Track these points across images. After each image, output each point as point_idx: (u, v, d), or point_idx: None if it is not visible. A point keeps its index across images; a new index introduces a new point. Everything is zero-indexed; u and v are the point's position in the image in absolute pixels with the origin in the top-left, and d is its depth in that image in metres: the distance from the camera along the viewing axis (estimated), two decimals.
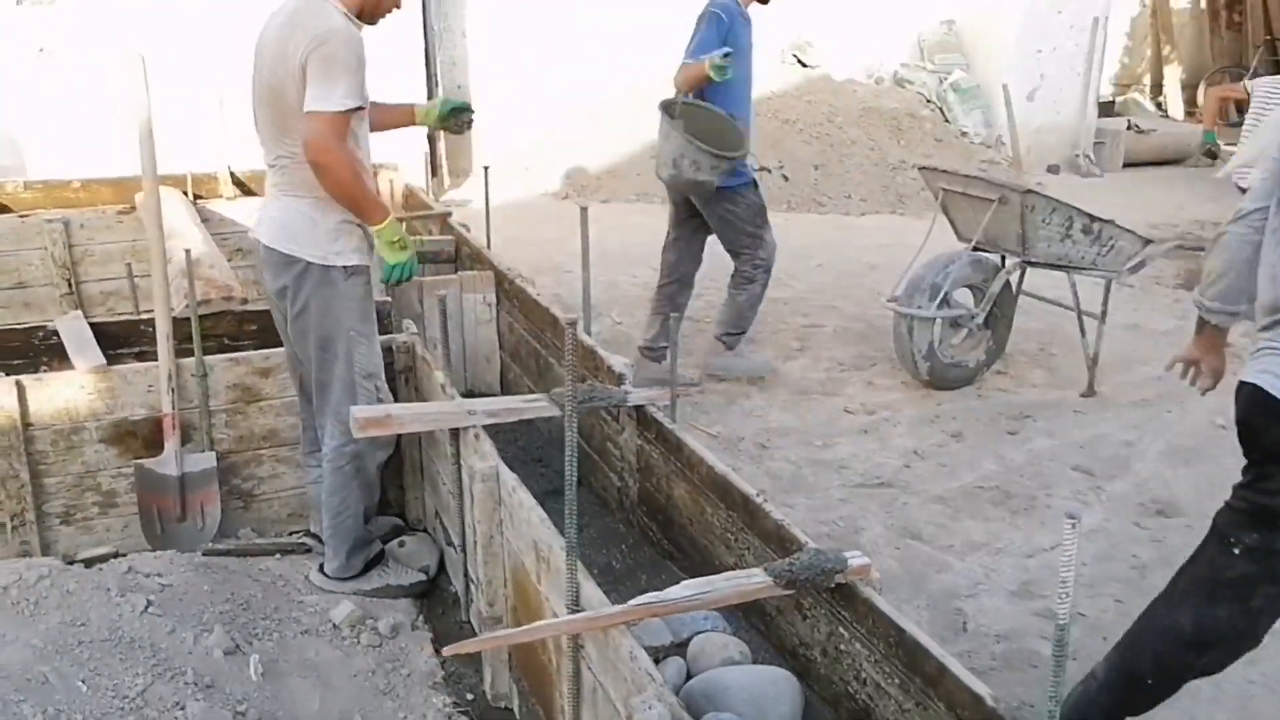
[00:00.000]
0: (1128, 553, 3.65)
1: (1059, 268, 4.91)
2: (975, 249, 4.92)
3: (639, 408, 3.13)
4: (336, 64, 2.70)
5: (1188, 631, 2.43)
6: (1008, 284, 5.01)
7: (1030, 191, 4.66)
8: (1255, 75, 11.45)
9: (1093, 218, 4.78)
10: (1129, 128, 11.01)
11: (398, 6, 3.01)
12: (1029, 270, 5.05)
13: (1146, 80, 14.04)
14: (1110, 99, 12.93)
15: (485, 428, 2.88)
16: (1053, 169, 10.23)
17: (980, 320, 4.91)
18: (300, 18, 2.76)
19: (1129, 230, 4.89)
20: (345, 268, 2.93)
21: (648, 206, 8.09)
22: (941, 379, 4.92)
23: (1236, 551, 2.38)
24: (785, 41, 9.67)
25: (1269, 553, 2.31)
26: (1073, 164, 10.35)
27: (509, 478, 2.63)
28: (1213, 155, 6.47)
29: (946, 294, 4.77)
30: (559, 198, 8.27)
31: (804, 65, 9.53)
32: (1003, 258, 4.97)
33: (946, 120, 9.74)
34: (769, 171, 8.35)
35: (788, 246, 7.23)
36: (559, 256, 6.54)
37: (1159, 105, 13.48)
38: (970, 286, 4.96)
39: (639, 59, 9.13)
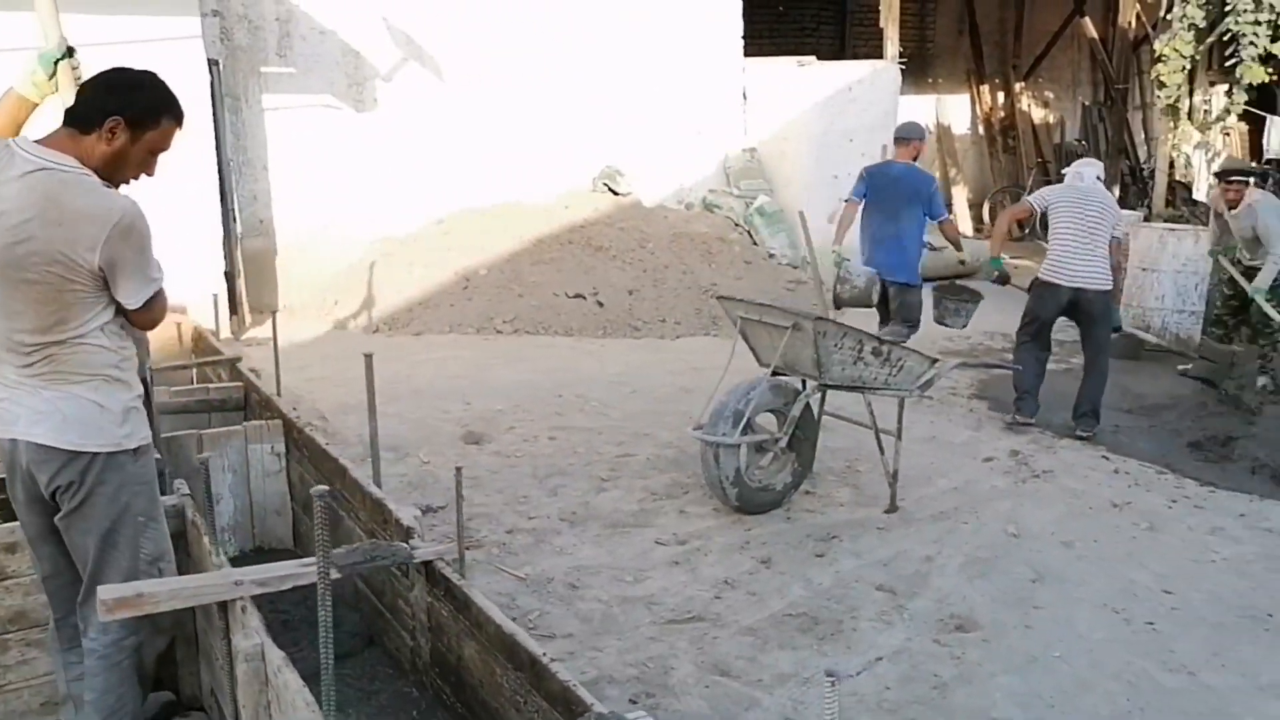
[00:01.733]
0: (929, 672, 3.69)
1: (855, 389, 5.07)
2: (775, 374, 5.05)
3: (428, 563, 3.00)
4: (143, 243, 2.54)
5: None
6: (809, 406, 5.13)
7: (821, 319, 4.83)
8: (1030, 192, 12.43)
9: (881, 340, 4.98)
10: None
11: (149, 174, 2.72)
12: (832, 391, 5.21)
13: None
14: None
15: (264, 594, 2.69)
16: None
17: (784, 443, 5.00)
18: (68, 202, 2.48)
19: (915, 351, 5.12)
20: (134, 450, 2.71)
21: (461, 338, 8.02)
22: (751, 503, 4.96)
23: None
24: (595, 170, 9.91)
25: None
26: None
27: (275, 656, 2.45)
28: (1004, 281, 6.90)
29: (749, 420, 4.84)
30: (369, 332, 8.11)
31: (615, 193, 9.77)
32: (803, 381, 5.11)
33: (755, 243, 10.12)
34: (584, 299, 8.44)
35: (604, 375, 7.32)
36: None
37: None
38: (773, 411, 5.05)
39: (449, 191, 9.20)
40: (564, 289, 8.45)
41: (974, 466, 5.87)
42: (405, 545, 2.98)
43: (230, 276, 7.87)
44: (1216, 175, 7.69)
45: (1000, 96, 15.49)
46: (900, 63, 10.87)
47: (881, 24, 10.81)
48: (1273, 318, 7.41)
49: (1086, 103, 15.93)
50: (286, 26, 8.45)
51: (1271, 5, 8.74)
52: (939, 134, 14.95)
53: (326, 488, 2.06)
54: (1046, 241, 6.63)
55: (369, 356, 3.49)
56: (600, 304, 8.44)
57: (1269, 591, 4.37)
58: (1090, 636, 3.97)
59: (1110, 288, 6.54)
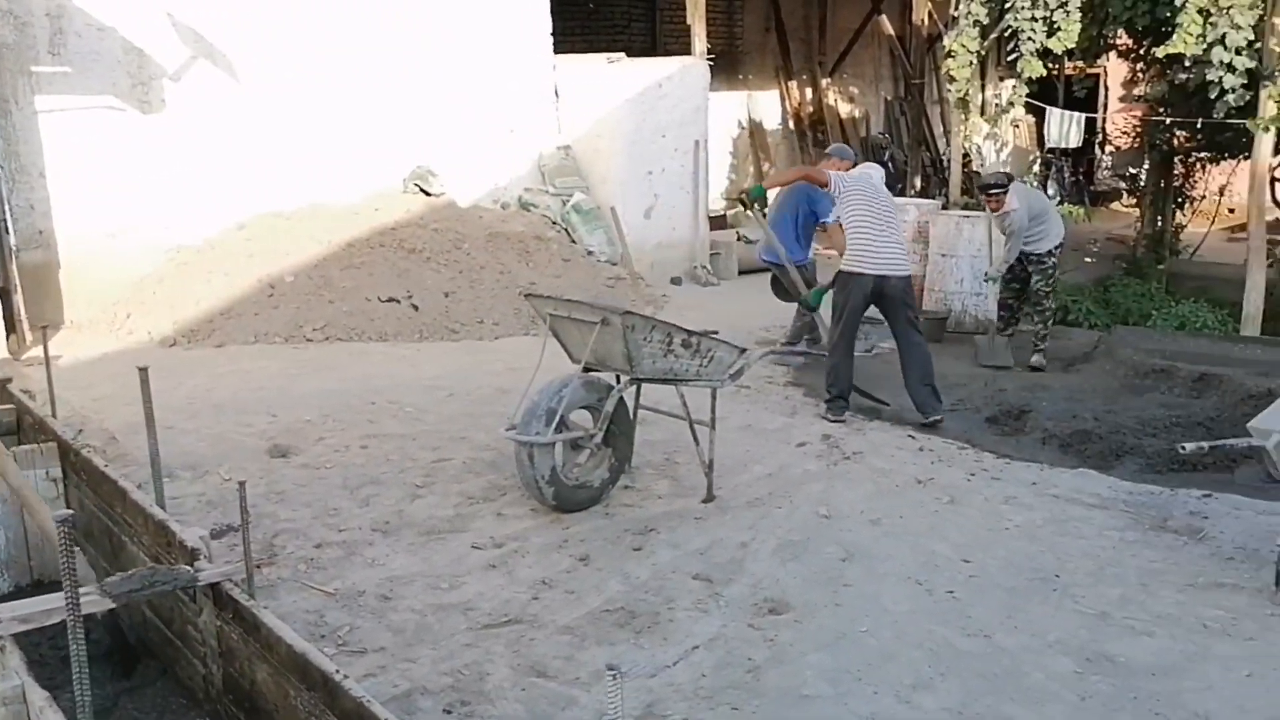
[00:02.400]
0: (743, 656, 3.74)
1: (667, 381, 5.10)
2: (587, 370, 5.03)
3: (215, 586, 2.83)
4: None
5: None
6: (623, 401, 5.13)
7: (629, 313, 4.83)
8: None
9: (690, 333, 5.03)
10: (739, 239, 11.94)
11: None
12: (648, 384, 5.22)
13: None
14: (723, 213, 13.99)
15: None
16: (675, 281, 10.85)
17: (599, 439, 4.98)
18: None
19: (725, 341, 5.19)
20: None
21: (267, 348, 7.69)
22: (568, 502, 4.93)
23: None
24: (406, 171, 9.68)
25: None
26: (693, 275, 11.03)
27: (38, 697, 2.26)
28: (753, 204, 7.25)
29: (563, 418, 4.81)
30: (167, 345, 7.67)
31: (427, 194, 9.57)
32: (616, 376, 5.11)
33: (573, 241, 10.10)
34: (398, 302, 8.22)
35: (419, 379, 7.14)
36: (162, 412, 6.00)
37: (765, 216, 14.72)
38: (587, 407, 5.03)
39: (250, 194, 8.81)
40: (377, 293, 8.21)
41: (788, 452, 6.01)
42: (188, 569, 2.81)
43: (6, 293, 7.30)
44: (979, 189, 8.23)
45: (808, 92, 15.99)
46: (709, 59, 11.06)
47: (689, 21, 10.97)
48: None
49: (889, 97, 16.64)
50: (59, 22, 7.88)
51: (1046, 3, 9.30)
52: (751, 129, 15.32)
53: (69, 512, 1.90)
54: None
55: (144, 370, 3.27)
56: (415, 307, 8.24)
57: (1056, 553, 4.63)
58: (895, 609, 4.11)
59: (910, 273, 6.81)
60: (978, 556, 4.61)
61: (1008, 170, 9.42)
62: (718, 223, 12.95)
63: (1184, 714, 3.39)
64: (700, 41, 10.95)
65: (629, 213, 10.57)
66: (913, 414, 6.65)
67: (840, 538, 4.79)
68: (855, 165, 7.77)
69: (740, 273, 11.57)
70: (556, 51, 10.68)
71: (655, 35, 14.72)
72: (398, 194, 9.55)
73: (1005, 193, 7.87)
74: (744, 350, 5.29)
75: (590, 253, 10.06)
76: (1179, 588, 4.30)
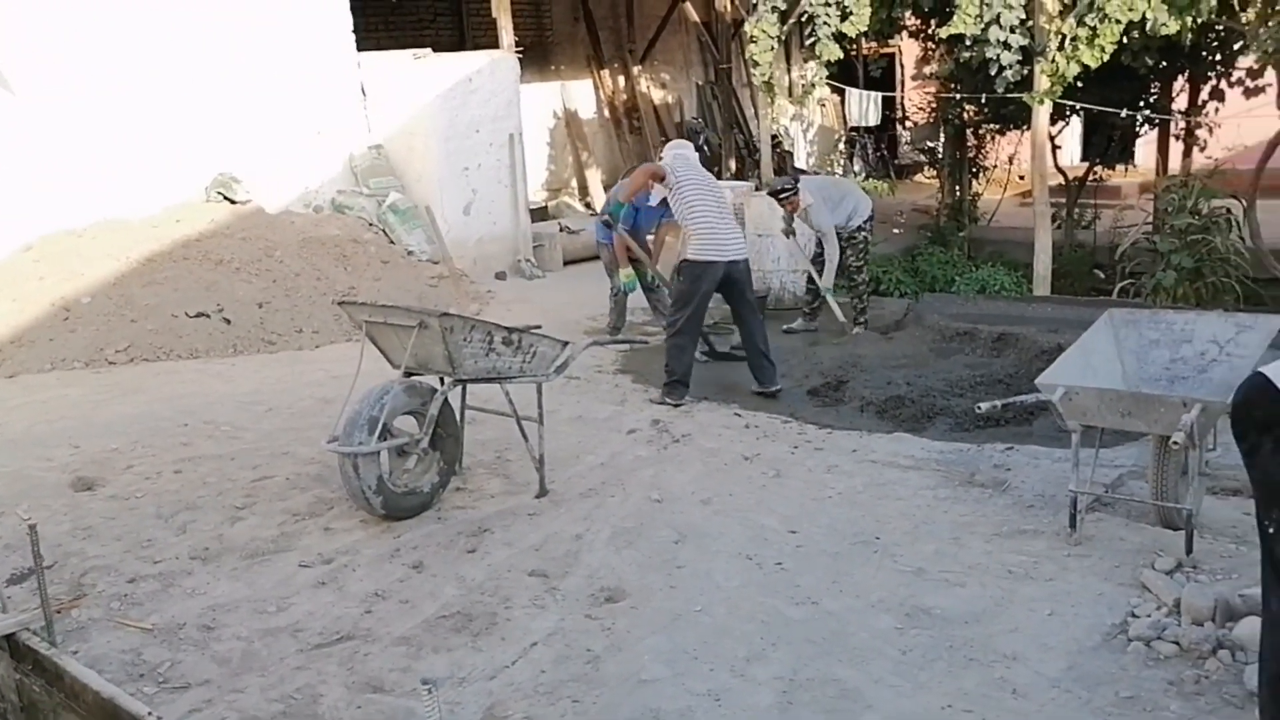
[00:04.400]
0: (582, 648, 3.77)
1: (492, 380, 5.07)
2: (408, 375, 4.95)
3: (9, 637, 2.66)
4: None
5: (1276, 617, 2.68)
6: (448, 403, 5.07)
7: (447, 314, 4.78)
8: None
9: (511, 330, 5.01)
10: (561, 230, 11.96)
11: None
12: (474, 384, 5.17)
13: (574, 184, 15.43)
14: (544, 204, 13.98)
15: None
16: (500, 275, 10.78)
17: (426, 444, 4.91)
18: None
19: (547, 336, 5.20)
20: None
21: (66, 375, 7.24)
22: (398, 509, 4.84)
23: (1271, 530, 2.69)
24: (208, 179, 9.27)
25: None
26: (517, 269, 10.99)
27: None
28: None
29: (386, 425, 4.72)
30: None
31: (232, 201, 9.19)
32: (441, 379, 5.04)
33: (391, 242, 9.90)
34: (208, 317, 7.87)
35: (235, 396, 6.87)
36: None
37: (587, 205, 14.84)
38: (411, 412, 4.95)
39: (36, 213, 8.27)
40: (184, 309, 7.84)
41: (619, 440, 6.07)
42: None
43: None
44: (770, 195, 8.55)
45: (621, 80, 16.11)
46: (518, 52, 11.00)
47: (495, 14, 10.88)
48: (836, 310, 8.36)
49: (700, 82, 16.92)
50: None
51: None
52: (567, 119, 15.33)
53: None
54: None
55: None
56: (227, 320, 7.92)
57: (875, 516, 4.85)
58: (727, 585, 4.22)
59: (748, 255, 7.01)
60: (804, 526, 4.77)
61: (797, 173, 9.78)
62: (539, 215, 12.94)
63: (994, 656, 3.61)
64: (507, 34, 10.88)
65: (448, 210, 10.44)
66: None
67: (673, 520, 4.88)
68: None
69: (565, 263, 11.61)
70: (360, 49, 10.42)
71: (463, 29, 14.54)
72: (200, 204, 9.13)
73: (795, 193, 8.15)
74: (567, 343, 5.31)
75: (410, 253, 9.89)
76: (987, 538, 4.57)
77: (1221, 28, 9.63)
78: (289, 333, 8.12)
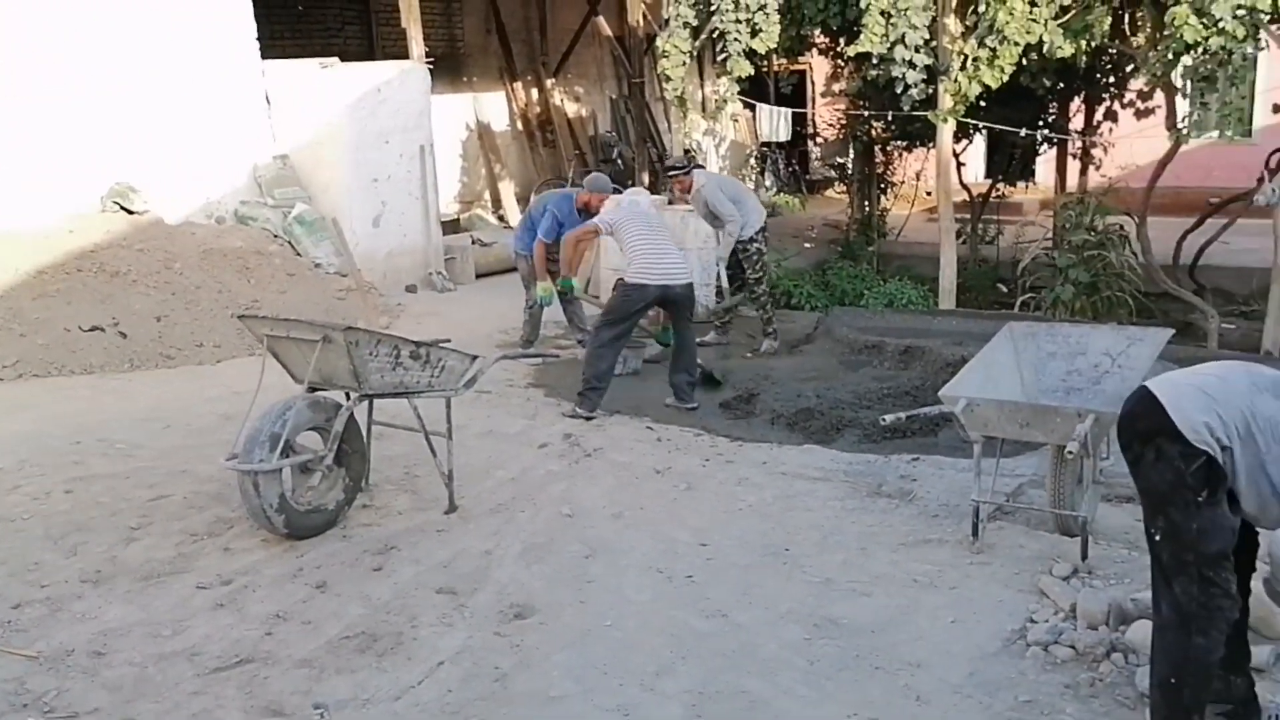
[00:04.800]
0: (490, 665, 3.72)
1: (399, 395, 4.99)
2: (312, 390, 4.84)
3: None
4: None
5: (1171, 620, 2.88)
6: (354, 418, 4.97)
7: (352, 328, 4.69)
8: (572, 184, 13.04)
9: (419, 344, 4.93)
10: (473, 242, 11.86)
11: None
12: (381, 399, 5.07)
13: (487, 196, 15.33)
14: (456, 217, 13.87)
15: None
16: (410, 288, 10.64)
17: (330, 460, 4.81)
18: None
19: (456, 350, 5.13)
20: None
21: None
22: (302, 528, 4.72)
23: (1158, 538, 2.94)
24: (104, 189, 8.97)
25: (1170, 525, 2.89)
26: (428, 282, 10.86)
27: None
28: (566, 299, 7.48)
29: (288, 441, 4.61)
30: None
31: (130, 212, 8.90)
32: (347, 394, 4.94)
33: (298, 254, 9.69)
34: (103, 330, 7.60)
35: (131, 412, 6.64)
36: None
37: (500, 218, 14.76)
38: (315, 428, 4.84)
39: None
40: (77, 322, 7.54)
41: (530, 454, 6.02)
42: None
43: None
44: (664, 172, 8.68)
45: (534, 93, 16.07)
46: (428, 63, 10.89)
47: (404, 24, 10.76)
48: (727, 294, 8.46)
49: (613, 96, 16.97)
50: None
51: (748, 6, 9.77)
52: (479, 131, 15.24)
53: None
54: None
55: None
56: (123, 335, 7.65)
57: (785, 528, 4.89)
58: (638, 599, 4.21)
59: (692, 280, 7.07)
60: (714, 539, 4.79)
61: (692, 154, 9.86)
62: (451, 227, 12.84)
63: (899, 664, 3.66)
64: (418, 45, 10.77)
65: (357, 221, 10.27)
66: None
67: (584, 535, 4.86)
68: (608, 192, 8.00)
69: (478, 276, 11.52)
70: (265, 56, 10.20)
71: (372, 39, 14.35)
72: (95, 214, 8.81)
73: (687, 173, 8.23)
74: (476, 357, 5.25)
75: (318, 265, 9.69)
76: (893, 548, 4.64)
77: (1114, 52, 9.99)
78: (189, 347, 7.89)
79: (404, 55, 10.90)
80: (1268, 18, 7.99)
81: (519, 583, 4.36)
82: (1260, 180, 9.64)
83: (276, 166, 10.21)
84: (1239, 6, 7.60)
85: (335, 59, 10.46)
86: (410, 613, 4.10)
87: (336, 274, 9.73)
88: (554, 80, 16.19)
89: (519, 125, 15.90)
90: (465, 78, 15.12)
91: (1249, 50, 8.19)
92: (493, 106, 15.57)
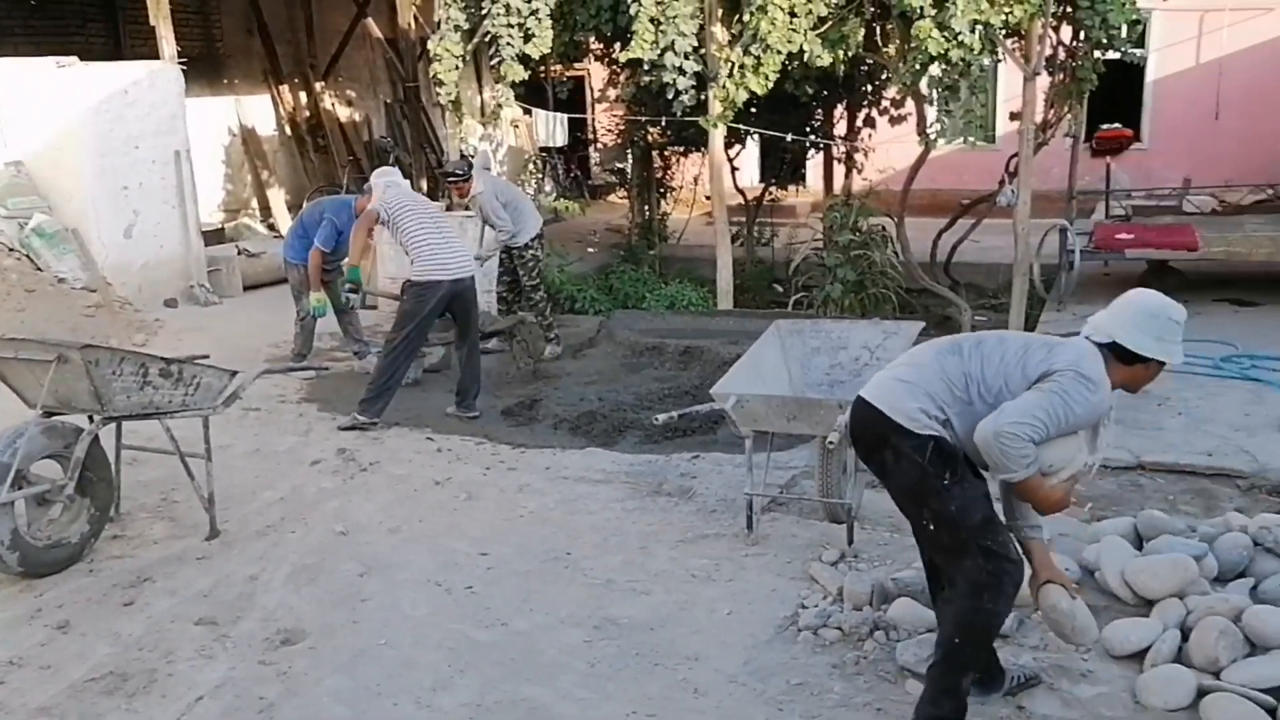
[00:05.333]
0: (255, 696, 3.52)
1: (150, 416, 4.65)
2: (48, 414, 4.45)
3: None
4: None
5: (965, 591, 3.07)
6: (98, 443, 4.60)
7: (90, 346, 4.34)
8: (348, 190, 12.61)
9: (169, 360, 4.63)
10: (240, 253, 11.28)
11: None
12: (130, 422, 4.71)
13: (255, 204, 14.62)
14: (221, 226, 13.16)
15: None
16: (170, 303, 10.00)
17: (72, 490, 4.43)
18: None
19: (212, 366, 4.84)
20: None
21: None
22: (41, 565, 4.33)
23: (931, 527, 3.15)
24: None
25: (935, 513, 3.10)
26: (190, 295, 10.24)
27: None
28: (356, 290, 7.10)
29: (20, 471, 4.21)
30: None
31: None
32: (90, 417, 4.56)
33: (38, 268, 8.93)
34: None
35: None
36: None
37: (271, 227, 14.10)
38: (53, 456, 4.45)
39: None
40: None
41: (301, 472, 5.76)
42: None
43: None
44: (441, 176, 8.58)
45: (303, 96, 15.46)
46: (182, 63, 10.27)
47: (153, 22, 10.10)
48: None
49: (388, 100, 16.55)
50: None
51: (519, 10, 9.72)
52: (244, 136, 14.52)
53: None
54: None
55: None
56: None
57: (566, 532, 4.87)
58: (414, 615, 4.08)
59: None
60: (495, 548, 4.71)
61: (471, 159, 9.73)
62: (215, 237, 12.16)
63: (678, 659, 3.70)
64: (169, 44, 10.12)
65: (106, 232, 9.54)
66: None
67: (358, 552, 4.68)
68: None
69: (245, 288, 10.95)
70: None
71: (119, 37, 13.40)
72: None
73: (466, 179, 8.13)
74: (235, 373, 4.97)
75: (61, 280, 8.95)
76: (672, 545, 4.70)
77: (869, 62, 10.53)
78: None
79: (154, 55, 10.23)
80: (1003, 32, 8.62)
81: (287, 607, 4.15)
82: (1001, 183, 10.41)
83: (9, 174, 9.35)
84: (975, 21, 8.17)
85: (74, 58, 9.68)
86: (165, 648, 3.83)
87: (84, 289, 9.02)
88: (324, 83, 15.64)
89: (287, 130, 15.26)
90: (226, 80, 14.38)
91: (986, 62, 8.80)
92: (258, 110, 14.87)
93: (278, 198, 14.43)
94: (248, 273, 11.03)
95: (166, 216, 10.09)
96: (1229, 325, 8.59)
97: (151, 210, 9.94)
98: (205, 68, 13.32)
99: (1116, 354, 3.06)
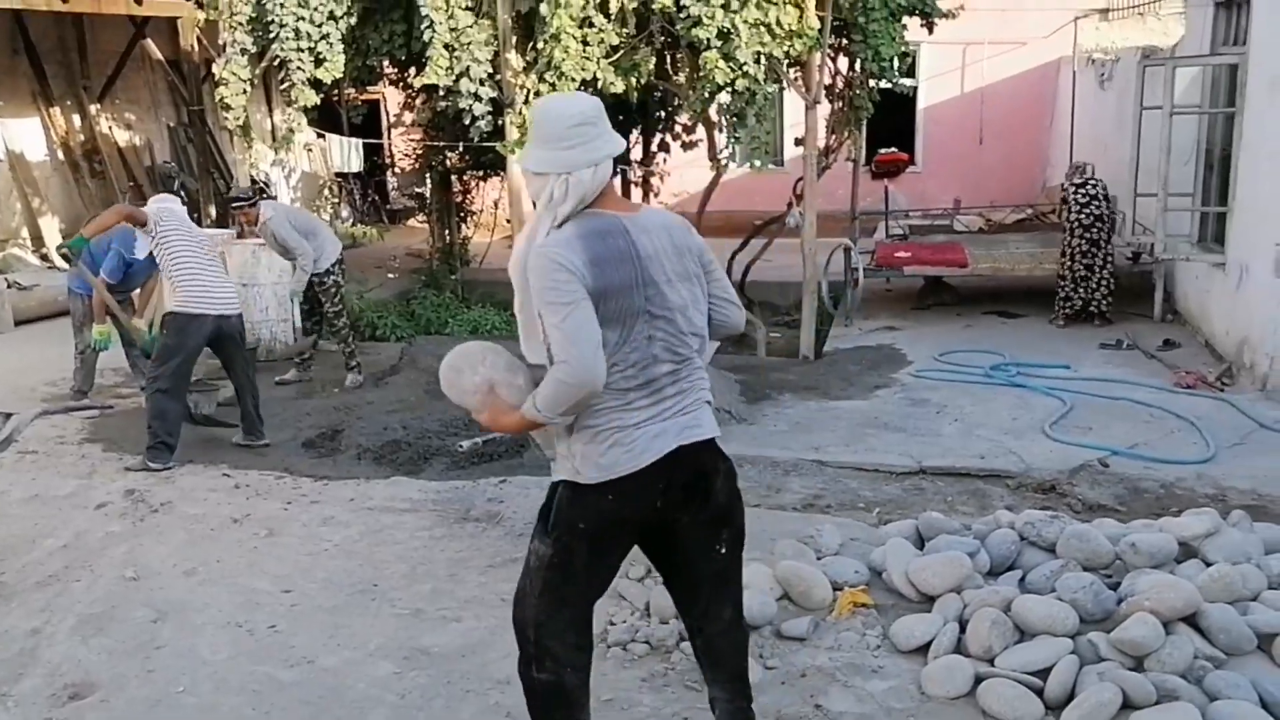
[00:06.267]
0: None
1: None
2: None
3: None
4: None
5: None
6: None
7: None
8: None
9: None
10: (9, 285, 10.55)
11: None
12: None
13: (25, 234, 13.68)
14: None
15: None
16: None
17: None
18: None
19: None
20: None
21: None
22: None
23: (724, 550, 2.92)
24: None
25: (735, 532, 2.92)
26: None
27: None
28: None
29: None
30: None
31: None
32: None
33: None
34: None
35: None
36: None
37: (44, 257, 13.23)
38: None
39: None
40: None
41: (86, 517, 5.47)
42: None
43: None
44: (228, 203, 8.39)
45: (76, 119, 14.60)
46: None
47: None
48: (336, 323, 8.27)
49: (171, 124, 15.84)
50: None
51: (310, 35, 9.53)
52: (11, 161, 13.57)
53: None
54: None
55: None
56: None
57: (373, 563, 4.82)
58: (214, 659, 3.96)
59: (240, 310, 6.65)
60: (299, 584, 4.62)
61: (262, 185, 9.48)
62: None
63: (489, 684, 3.74)
64: None
65: None
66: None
67: (151, 598, 4.49)
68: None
69: (16, 323, 10.26)
70: None
71: None
72: None
73: (252, 205, 7.90)
74: (9, 414, 4.69)
75: None
76: (481, 570, 4.73)
77: (661, 89, 10.88)
78: None
79: None
80: (785, 63, 9.10)
81: (74, 660, 3.95)
82: (789, 206, 10.95)
83: None
84: (759, 53, 8.59)
85: None
86: None
87: None
88: (99, 106, 14.81)
89: (60, 155, 14.36)
90: None
91: (770, 90, 9.27)
92: (26, 134, 13.93)
93: (51, 226, 13.56)
94: (19, 307, 10.35)
95: None
96: (997, 335, 9.34)
97: None
98: None
99: None
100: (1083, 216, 9.51)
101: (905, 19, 9.66)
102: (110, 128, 14.98)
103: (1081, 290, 9.62)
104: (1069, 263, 9.62)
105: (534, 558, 2.88)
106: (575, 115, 2.69)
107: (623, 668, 3.83)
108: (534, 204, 2.78)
